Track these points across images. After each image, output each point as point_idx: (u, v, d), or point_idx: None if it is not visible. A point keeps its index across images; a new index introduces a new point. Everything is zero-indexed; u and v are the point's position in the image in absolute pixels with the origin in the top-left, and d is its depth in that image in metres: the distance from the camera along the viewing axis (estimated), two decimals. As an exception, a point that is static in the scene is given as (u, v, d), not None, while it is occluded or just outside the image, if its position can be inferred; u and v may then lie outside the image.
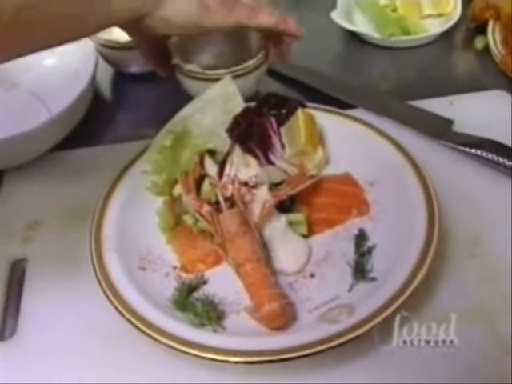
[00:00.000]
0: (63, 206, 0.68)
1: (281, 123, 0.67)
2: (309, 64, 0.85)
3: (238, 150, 0.65)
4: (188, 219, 0.61)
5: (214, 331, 0.53)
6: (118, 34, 0.86)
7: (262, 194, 0.60)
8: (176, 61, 0.76)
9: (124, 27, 0.63)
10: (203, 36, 0.74)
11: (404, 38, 0.88)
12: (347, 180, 0.65)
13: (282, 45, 0.69)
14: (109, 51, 0.83)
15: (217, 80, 0.70)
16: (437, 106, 0.74)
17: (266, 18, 0.62)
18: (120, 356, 0.54)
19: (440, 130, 0.70)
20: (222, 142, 0.67)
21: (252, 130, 0.67)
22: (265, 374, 0.51)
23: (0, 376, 0.54)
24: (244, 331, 0.53)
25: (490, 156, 0.66)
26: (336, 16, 0.89)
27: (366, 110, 0.74)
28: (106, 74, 0.88)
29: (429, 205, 0.59)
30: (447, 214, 0.61)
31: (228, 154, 0.65)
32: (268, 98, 0.69)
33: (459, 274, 0.57)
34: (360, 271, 0.57)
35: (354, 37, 0.91)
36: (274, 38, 0.69)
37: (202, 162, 0.65)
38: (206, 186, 0.63)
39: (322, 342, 0.49)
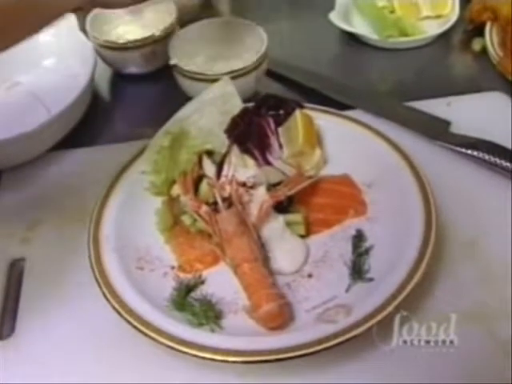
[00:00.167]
0: (62, 206, 0.68)
1: (279, 124, 0.68)
2: (307, 65, 0.85)
3: (236, 150, 0.65)
4: (186, 219, 0.61)
5: (212, 331, 0.53)
6: (117, 35, 0.86)
7: (260, 195, 0.60)
8: (174, 61, 0.76)
9: None
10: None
11: (402, 39, 0.88)
12: (345, 181, 0.65)
13: None
14: (107, 52, 0.84)
15: (215, 81, 0.71)
16: (434, 107, 0.74)
17: None
18: (118, 356, 0.54)
19: (437, 131, 0.71)
20: (220, 142, 0.67)
21: (250, 131, 0.67)
22: (263, 373, 0.52)
23: (-2, 375, 0.54)
24: (242, 331, 0.53)
25: (487, 157, 0.66)
26: (334, 17, 0.89)
27: (364, 111, 0.74)
28: (104, 74, 0.88)
29: (426, 205, 0.59)
30: (444, 214, 0.61)
31: (226, 154, 0.65)
32: (266, 98, 0.70)
33: (458, 274, 0.58)
34: (357, 271, 0.57)
35: (352, 38, 0.91)
36: None
37: (200, 163, 0.65)
38: (204, 186, 0.63)
39: (319, 341, 0.50)
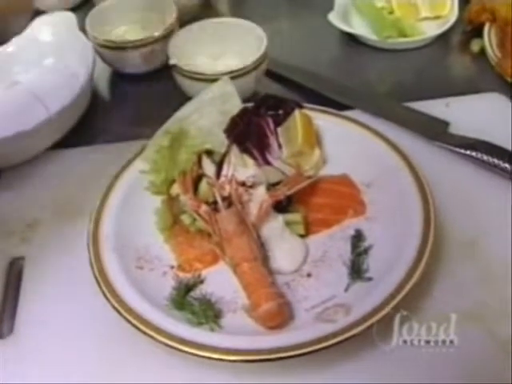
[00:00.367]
0: (61, 205, 0.68)
1: (278, 124, 0.68)
2: (306, 65, 0.85)
3: (235, 150, 0.66)
4: (186, 219, 0.61)
5: (212, 330, 0.53)
6: (117, 35, 0.87)
7: (260, 194, 0.61)
8: (174, 61, 0.76)
9: None
10: None
11: (401, 40, 0.89)
12: (344, 181, 0.66)
13: None
14: (106, 51, 0.84)
15: (215, 80, 0.71)
16: (433, 107, 0.74)
17: None
18: (117, 354, 0.55)
19: (436, 131, 0.71)
20: (220, 142, 0.67)
21: (249, 131, 0.67)
22: (262, 372, 0.52)
23: (-3, 374, 0.54)
24: (241, 330, 0.53)
25: (485, 158, 0.66)
26: (333, 18, 0.90)
27: (363, 111, 0.74)
28: (103, 74, 0.88)
29: (425, 205, 0.59)
30: (443, 214, 0.61)
31: (226, 154, 0.65)
32: (265, 98, 0.70)
33: (458, 274, 0.58)
34: (356, 271, 0.57)
35: (351, 39, 0.91)
36: None
37: (199, 162, 0.65)
38: (203, 185, 0.63)
39: (318, 341, 0.50)
